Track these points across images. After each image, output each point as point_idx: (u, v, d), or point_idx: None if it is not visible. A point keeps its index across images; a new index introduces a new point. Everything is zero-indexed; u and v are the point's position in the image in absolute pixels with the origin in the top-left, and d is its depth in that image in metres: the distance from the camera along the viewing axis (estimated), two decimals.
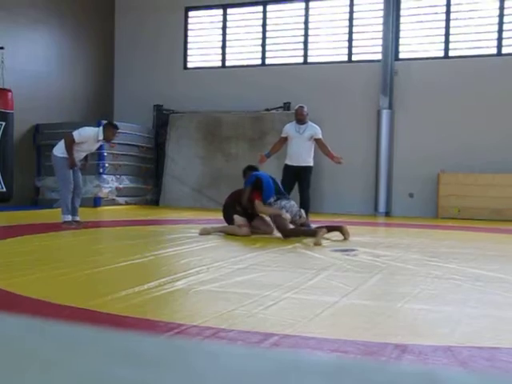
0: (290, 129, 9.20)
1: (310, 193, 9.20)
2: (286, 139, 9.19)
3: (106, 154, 12.84)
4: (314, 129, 9.13)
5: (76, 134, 8.19)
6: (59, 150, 8.25)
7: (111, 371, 0.49)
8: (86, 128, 8.42)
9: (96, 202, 12.54)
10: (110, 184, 12.89)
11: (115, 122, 8.89)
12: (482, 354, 2.58)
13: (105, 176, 12.80)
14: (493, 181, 11.74)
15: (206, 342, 2.43)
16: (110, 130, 8.29)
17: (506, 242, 7.94)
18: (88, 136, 8.21)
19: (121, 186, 13.19)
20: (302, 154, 9.01)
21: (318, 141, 9.12)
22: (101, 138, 8.22)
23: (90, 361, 0.52)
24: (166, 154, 14.12)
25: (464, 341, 2.78)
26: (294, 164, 9.01)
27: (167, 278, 4.25)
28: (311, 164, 9.13)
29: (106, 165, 12.88)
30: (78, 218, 8.29)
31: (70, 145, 8.09)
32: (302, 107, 9.23)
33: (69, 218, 8.11)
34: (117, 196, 13.05)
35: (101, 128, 8.30)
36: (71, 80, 14.04)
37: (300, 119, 9.11)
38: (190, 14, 14.74)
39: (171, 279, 4.19)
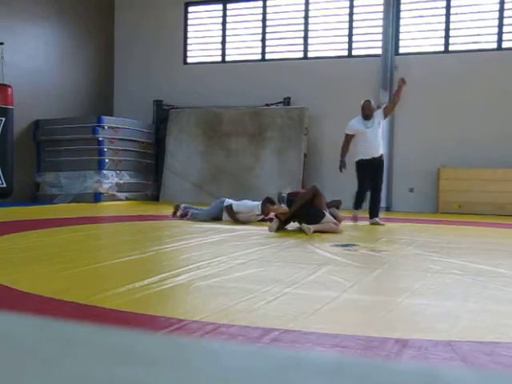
0: (357, 126, 8.87)
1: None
2: (352, 136, 8.89)
3: (106, 149, 12.85)
4: (378, 114, 8.89)
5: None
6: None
7: (110, 369, 0.49)
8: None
9: (96, 197, 12.55)
10: (110, 179, 12.89)
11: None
12: (482, 348, 2.58)
13: (105, 171, 12.80)
14: (493, 176, 11.73)
15: (204, 339, 2.43)
16: None
17: (506, 236, 7.93)
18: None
19: (121, 181, 13.20)
20: (377, 146, 8.78)
21: (386, 109, 8.98)
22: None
23: (88, 358, 0.52)
24: (166, 150, 14.12)
25: (464, 335, 2.78)
26: (370, 157, 8.74)
27: (167, 273, 4.25)
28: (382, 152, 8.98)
29: (106, 160, 12.88)
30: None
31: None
32: (368, 102, 8.93)
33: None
34: (117, 191, 13.06)
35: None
36: (71, 76, 14.02)
37: (368, 115, 8.83)
38: (190, 9, 14.72)
39: (171, 274, 4.19)
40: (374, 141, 8.69)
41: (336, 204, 8.22)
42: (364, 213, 8.97)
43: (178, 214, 9.11)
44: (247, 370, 0.49)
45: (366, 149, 8.67)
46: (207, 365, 0.51)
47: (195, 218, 8.74)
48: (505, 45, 12.26)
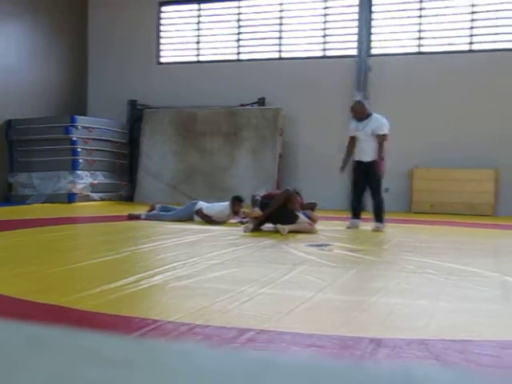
0: (352, 126, 8.43)
1: None
2: (353, 137, 8.37)
3: (79, 149, 12.74)
4: (376, 123, 8.19)
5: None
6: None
7: (79, 372, 0.48)
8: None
9: (70, 197, 12.44)
10: (84, 180, 12.79)
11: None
12: (455, 346, 2.62)
13: (79, 172, 12.69)
14: (465, 176, 11.88)
15: (177, 341, 2.42)
16: None
17: (478, 235, 8.04)
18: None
19: (95, 181, 13.10)
20: (366, 151, 8.20)
21: (378, 137, 8.12)
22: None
23: (58, 361, 0.51)
24: (140, 150, 14.04)
25: (438, 334, 2.81)
26: (360, 160, 8.28)
27: (143, 273, 4.23)
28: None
29: (80, 160, 12.77)
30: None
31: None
32: (357, 103, 8.44)
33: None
34: (91, 192, 12.96)
35: None
36: (44, 75, 13.88)
37: (356, 117, 8.34)
38: (164, 8, 14.66)
39: (147, 275, 4.18)
40: (363, 144, 8.21)
41: (311, 206, 8.24)
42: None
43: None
44: (220, 372, 0.49)
45: (358, 151, 8.29)
46: (179, 367, 0.51)
47: (159, 219, 8.69)
48: (476, 47, 12.42)
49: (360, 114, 8.28)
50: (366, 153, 8.20)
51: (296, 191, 8.23)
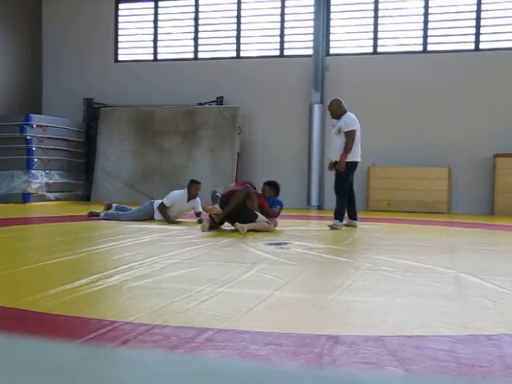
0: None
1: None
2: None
3: (34, 148, 12.53)
4: (343, 121, 8.11)
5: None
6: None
7: (13, 381, 0.47)
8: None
9: (25, 197, 12.22)
10: (39, 179, 12.58)
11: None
12: (410, 342, 2.66)
13: (34, 171, 12.48)
14: (420, 174, 12.08)
15: (119, 349, 2.41)
16: None
17: (432, 233, 8.18)
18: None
19: (51, 181, 12.89)
20: (333, 148, 8.27)
21: (345, 135, 8.03)
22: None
23: None
24: (97, 149, 13.88)
25: (394, 330, 2.85)
26: (331, 158, 8.36)
27: (100, 274, 4.18)
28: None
29: (35, 159, 12.55)
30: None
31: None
32: (333, 101, 8.40)
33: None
34: (47, 192, 12.75)
35: None
36: None
37: (331, 115, 8.34)
38: (121, 6, 14.52)
39: (104, 276, 4.13)
40: (332, 143, 8.33)
41: (275, 216, 8.15)
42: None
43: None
44: (161, 381, 0.48)
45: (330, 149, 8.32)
46: (116, 375, 0.50)
47: (117, 219, 8.62)
48: (430, 48, 12.64)
49: (334, 112, 8.24)
50: (333, 152, 8.27)
51: (276, 184, 8.29)
